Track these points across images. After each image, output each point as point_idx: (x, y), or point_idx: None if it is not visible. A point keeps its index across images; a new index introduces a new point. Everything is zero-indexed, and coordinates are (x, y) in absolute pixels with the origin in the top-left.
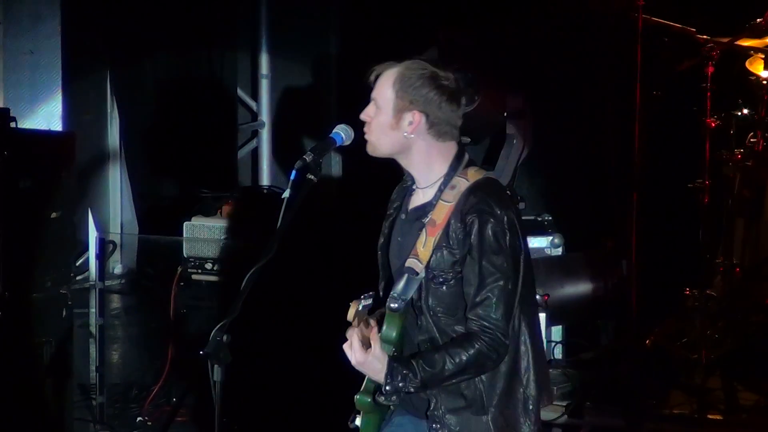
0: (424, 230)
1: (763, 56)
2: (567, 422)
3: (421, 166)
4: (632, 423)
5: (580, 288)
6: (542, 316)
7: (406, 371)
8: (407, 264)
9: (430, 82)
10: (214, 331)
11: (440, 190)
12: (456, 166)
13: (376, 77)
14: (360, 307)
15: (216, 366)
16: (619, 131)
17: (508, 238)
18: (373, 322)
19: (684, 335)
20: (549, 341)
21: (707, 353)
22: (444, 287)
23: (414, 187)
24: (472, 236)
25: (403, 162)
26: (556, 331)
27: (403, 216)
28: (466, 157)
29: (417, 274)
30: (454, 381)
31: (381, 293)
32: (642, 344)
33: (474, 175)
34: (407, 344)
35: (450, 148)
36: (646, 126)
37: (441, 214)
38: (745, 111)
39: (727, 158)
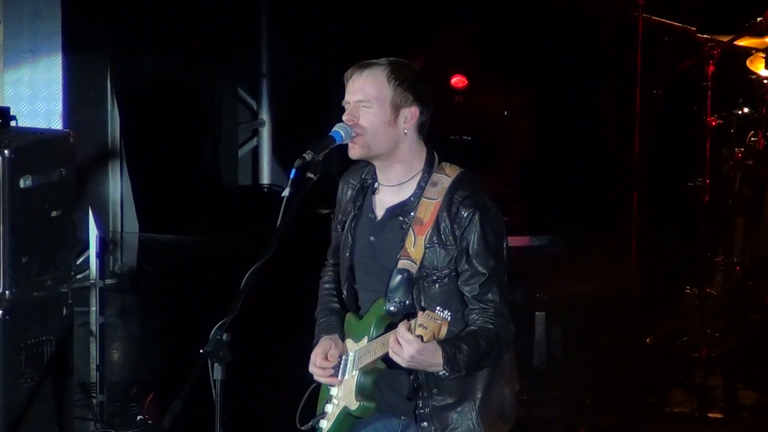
0: (411, 230)
1: (763, 55)
2: (567, 421)
3: (403, 165)
4: (632, 422)
5: (580, 287)
6: (542, 315)
7: (456, 350)
8: (400, 265)
9: (421, 79)
10: (214, 330)
11: (420, 187)
12: (431, 164)
13: (350, 80)
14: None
15: (216, 364)
16: (619, 131)
17: (501, 230)
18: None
19: (684, 334)
20: (549, 340)
21: (707, 352)
22: (436, 285)
23: (377, 185)
24: (474, 231)
25: (384, 162)
26: (556, 331)
27: (371, 215)
28: (436, 153)
29: (411, 274)
30: (483, 364)
31: (344, 293)
32: (642, 343)
33: (451, 170)
34: None
35: (423, 145)
36: (647, 125)
37: (427, 211)
38: (746, 110)
39: (727, 157)
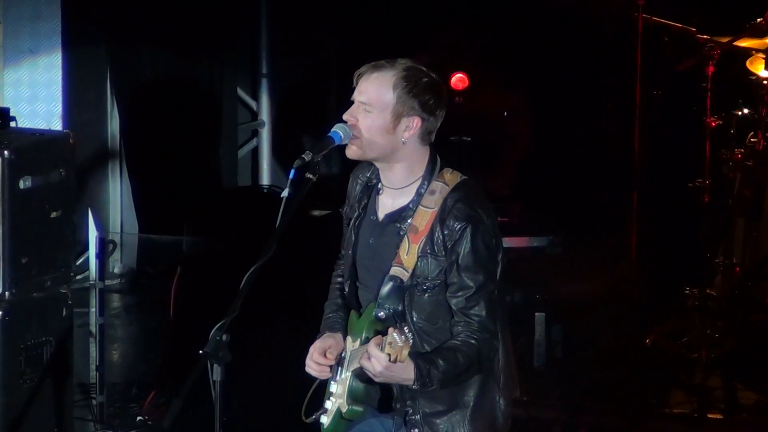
0: (406, 237)
1: (763, 56)
2: (567, 421)
3: (403, 170)
4: (632, 423)
5: (580, 288)
6: (542, 315)
7: (430, 365)
8: (392, 272)
9: (432, 88)
10: (213, 331)
11: (419, 195)
12: (432, 170)
13: (360, 78)
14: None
15: (215, 365)
16: (619, 131)
17: (494, 243)
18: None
19: (684, 334)
20: (549, 340)
21: (707, 352)
22: (426, 295)
23: (380, 186)
24: (464, 244)
25: (383, 165)
26: (556, 331)
27: (373, 217)
28: (438, 159)
29: (403, 282)
30: (461, 378)
31: (346, 290)
32: (642, 343)
33: (451, 178)
34: None
35: (427, 152)
36: (647, 126)
37: (423, 220)
38: (746, 110)
39: (727, 158)
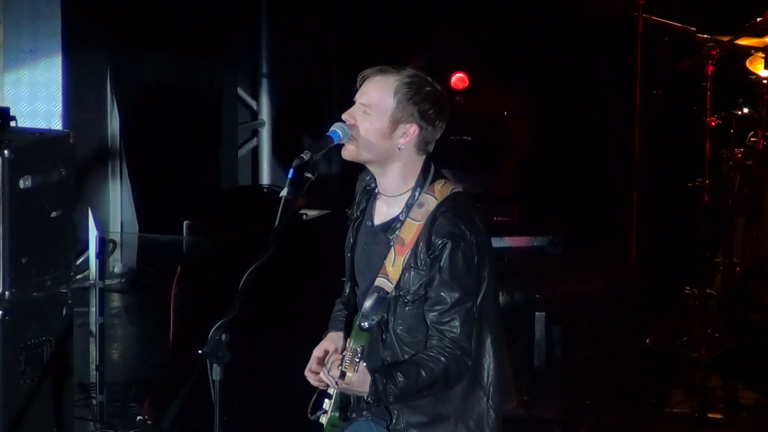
0: (392, 249)
1: (763, 55)
2: (567, 421)
3: (396, 178)
4: (632, 422)
5: (580, 287)
6: (542, 315)
7: (387, 380)
8: (377, 283)
9: (433, 98)
10: (212, 330)
11: (408, 206)
12: (423, 181)
13: (364, 80)
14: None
15: (215, 365)
16: (619, 131)
17: (476, 260)
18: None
19: (684, 334)
20: (549, 340)
21: (707, 352)
22: (408, 307)
23: (377, 191)
24: (443, 260)
25: (377, 170)
26: (556, 331)
27: (368, 223)
28: (432, 169)
29: (387, 293)
30: (424, 394)
31: (347, 291)
32: (642, 343)
33: (441, 191)
34: (372, 358)
35: (422, 161)
36: (646, 125)
37: (409, 233)
38: (746, 110)
39: (727, 157)
